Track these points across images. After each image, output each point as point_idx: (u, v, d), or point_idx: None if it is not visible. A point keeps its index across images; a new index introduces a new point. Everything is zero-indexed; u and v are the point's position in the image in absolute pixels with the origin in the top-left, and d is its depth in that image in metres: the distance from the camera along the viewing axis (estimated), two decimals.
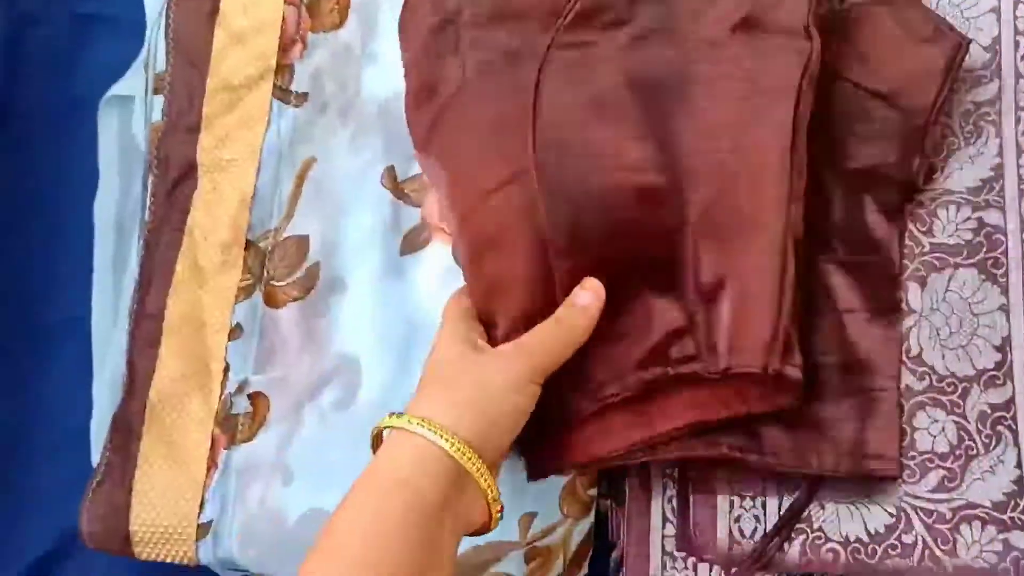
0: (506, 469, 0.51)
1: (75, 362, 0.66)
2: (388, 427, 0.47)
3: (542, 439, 0.52)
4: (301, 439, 0.58)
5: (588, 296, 0.51)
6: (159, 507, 0.57)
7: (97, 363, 0.64)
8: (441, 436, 0.45)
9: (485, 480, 0.46)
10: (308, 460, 0.58)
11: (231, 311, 0.60)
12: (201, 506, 0.57)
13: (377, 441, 0.49)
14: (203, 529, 0.57)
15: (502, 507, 0.48)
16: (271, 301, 0.61)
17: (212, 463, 0.58)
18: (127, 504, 0.58)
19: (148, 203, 0.64)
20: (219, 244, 0.61)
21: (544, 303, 0.51)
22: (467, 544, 0.55)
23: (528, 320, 0.51)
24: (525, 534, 0.56)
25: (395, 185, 0.62)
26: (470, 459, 0.45)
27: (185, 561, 0.57)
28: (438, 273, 0.60)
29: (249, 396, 0.59)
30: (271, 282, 0.61)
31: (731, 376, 0.50)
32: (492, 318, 0.53)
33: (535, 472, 0.54)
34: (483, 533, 0.49)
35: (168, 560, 0.58)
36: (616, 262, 0.51)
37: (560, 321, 0.50)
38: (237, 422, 0.59)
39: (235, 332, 0.60)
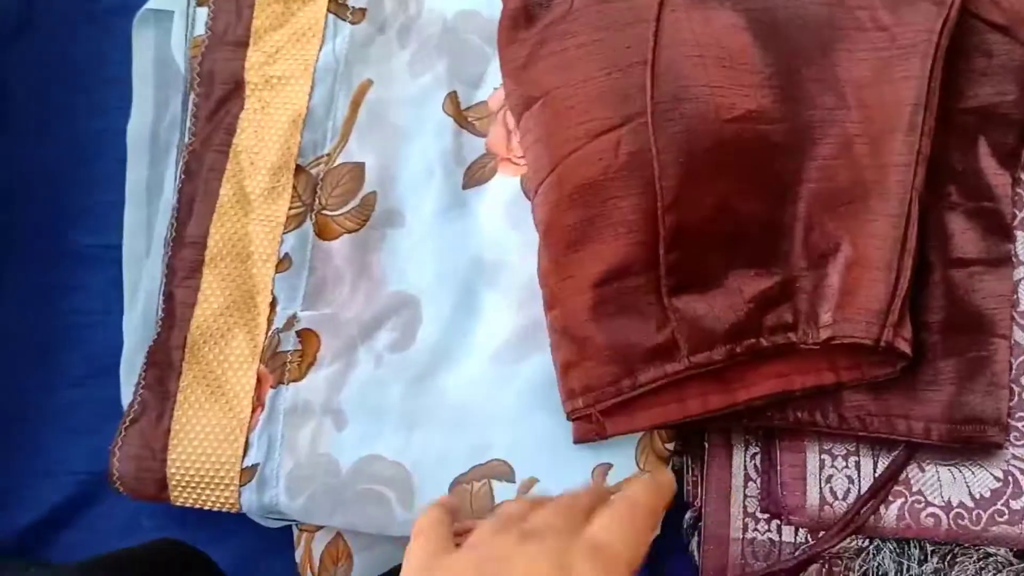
0: None
1: (106, 291, 0.61)
2: None
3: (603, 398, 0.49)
4: (355, 381, 0.54)
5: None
6: (199, 449, 0.53)
7: (128, 294, 0.60)
8: None
9: None
10: (363, 404, 0.54)
11: (279, 241, 0.56)
12: (245, 449, 0.53)
13: None
14: (247, 473, 0.53)
15: None
16: (323, 232, 0.56)
17: (258, 403, 0.54)
18: (163, 445, 0.53)
19: (188, 123, 0.59)
20: (267, 168, 0.56)
21: (644, 256, 0.48)
22: (539, 492, 0.51)
23: (622, 271, 0.48)
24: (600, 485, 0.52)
25: (458, 112, 0.58)
26: None
27: (226, 508, 0.53)
28: (503, 207, 0.56)
29: (298, 333, 0.55)
30: (323, 211, 0.56)
31: (830, 346, 0.46)
32: (575, 267, 0.49)
33: (584, 433, 0.50)
34: None
35: (207, 506, 0.53)
36: (722, 221, 0.48)
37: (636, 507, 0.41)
38: (285, 360, 0.54)
39: (283, 263, 0.56)
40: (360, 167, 0.57)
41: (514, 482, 0.51)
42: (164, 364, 0.55)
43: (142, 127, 0.61)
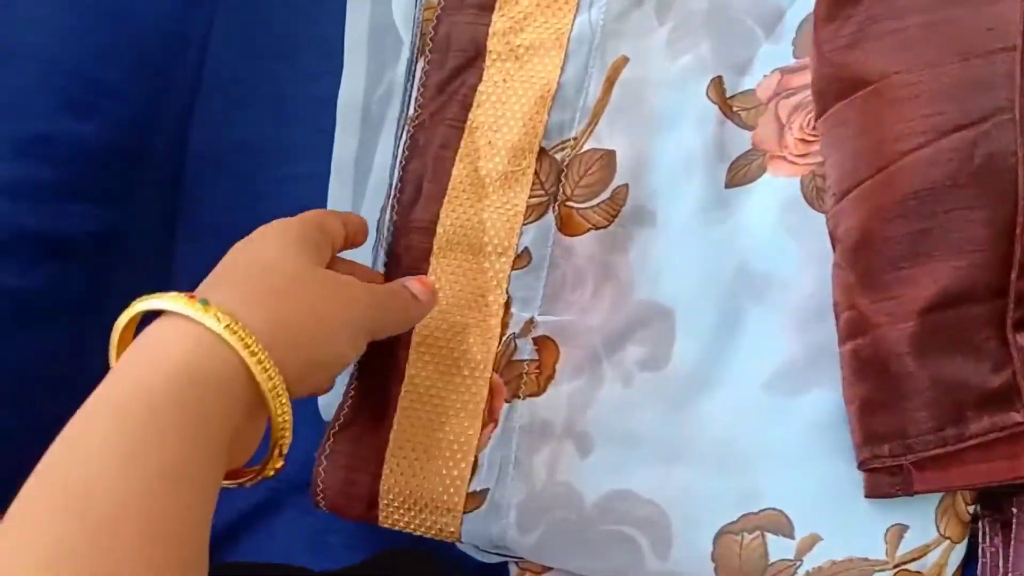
0: None
1: None
2: (147, 310, 0.33)
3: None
4: (603, 401, 0.47)
5: (425, 293, 0.44)
6: (421, 466, 0.46)
7: None
8: (251, 349, 0.32)
9: (285, 422, 0.34)
10: (612, 428, 0.46)
11: (518, 232, 0.48)
12: (474, 470, 0.46)
13: (124, 338, 0.35)
14: (474, 499, 0.46)
15: (283, 467, 0.37)
16: (566, 226, 0.49)
17: (490, 418, 0.47)
18: (379, 458, 0.46)
19: (415, 93, 0.52)
20: (507, 149, 0.49)
21: (989, 280, 0.40)
22: (819, 559, 0.43)
23: (959, 298, 0.40)
24: (894, 552, 0.43)
25: (723, 100, 0.50)
26: (278, 392, 0.33)
27: (443, 536, 0.46)
28: (777, 212, 0.48)
29: (535, 340, 0.47)
30: (568, 203, 0.49)
31: None
32: (898, 287, 0.41)
33: (880, 486, 0.42)
34: (245, 481, 0.37)
35: (420, 531, 0.46)
36: None
37: (398, 294, 0.43)
38: (522, 371, 0.47)
39: (522, 259, 0.48)
40: (611, 155, 0.50)
41: (793, 538, 0.43)
42: (383, 364, 0.48)
43: (354, 97, 0.55)
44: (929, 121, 0.40)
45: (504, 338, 0.47)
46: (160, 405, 0.30)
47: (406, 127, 0.52)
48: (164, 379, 0.30)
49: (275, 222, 0.39)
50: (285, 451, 0.35)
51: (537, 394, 0.47)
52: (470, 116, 0.50)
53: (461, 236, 0.49)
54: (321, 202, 0.54)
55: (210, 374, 0.31)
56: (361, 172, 0.54)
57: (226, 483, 0.36)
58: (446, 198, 0.49)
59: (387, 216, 0.51)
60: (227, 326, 0.32)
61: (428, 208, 0.49)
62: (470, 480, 0.46)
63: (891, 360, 0.41)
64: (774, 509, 0.43)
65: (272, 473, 0.36)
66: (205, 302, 0.32)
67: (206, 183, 0.57)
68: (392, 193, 0.51)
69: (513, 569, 0.48)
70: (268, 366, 0.32)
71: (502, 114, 0.50)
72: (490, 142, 0.50)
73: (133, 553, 0.26)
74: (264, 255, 0.37)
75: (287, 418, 0.34)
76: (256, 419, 0.34)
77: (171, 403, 0.30)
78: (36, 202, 0.49)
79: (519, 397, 0.47)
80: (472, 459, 0.46)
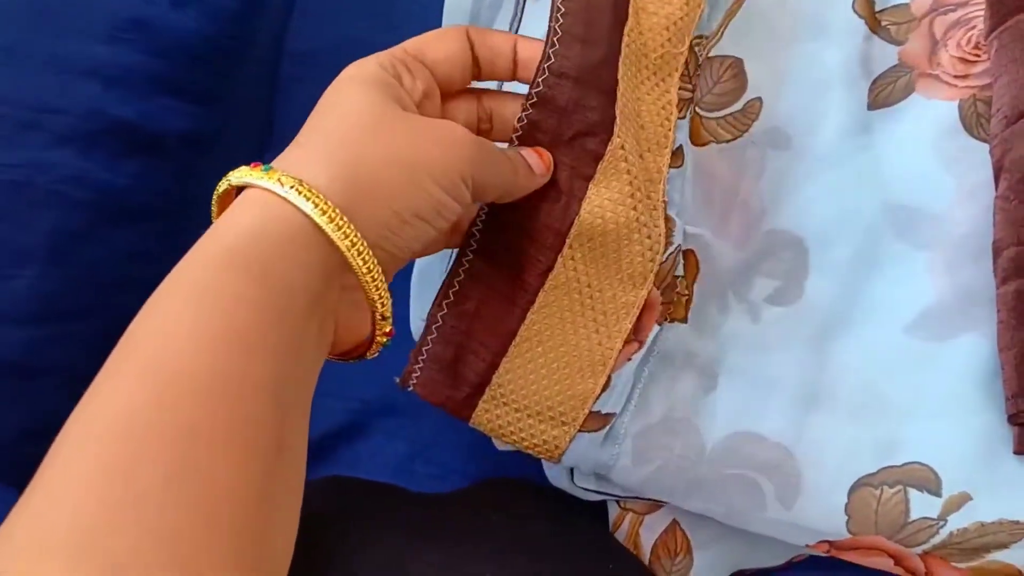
0: None
1: None
2: (239, 184, 0.30)
3: None
4: (728, 335, 0.43)
5: (540, 167, 0.38)
6: (547, 369, 0.40)
7: None
8: (320, 208, 0.29)
9: (374, 282, 0.31)
10: (741, 365, 0.42)
11: (674, 125, 0.41)
12: (604, 388, 0.40)
13: (221, 205, 0.32)
14: (596, 420, 0.41)
15: (392, 331, 0.33)
16: (693, 134, 0.44)
17: (635, 336, 0.41)
18: (500, 344, 0.40)
19: None
20: (671, 26, 0.41)
21: None
22: (966, 519, 0.39)
23: None
24: None
25: (870, 13, 0.45)
26: (358, 249, 0.30)
27: (541, 452, 0.40)
28: (931, 140, 0.43)
29: (684, 254, 0.43)
30: (697, 108, 0.44)
31: None
32: None
33: None
34: (353, 359, 0.34)
35: (516, 440, 0.40)
36: None
37: (511, 156, 0.37)
38: (676, 288, 0.42)
39: (676, 157, 0.42)
40: (739, 64, 0.45)
41: (940, 496, 0.39)
42: (526, 241, 0.39)
43: (461, 3, 0.51)
44: None
45: (671, 249, 0.41)
46: (230, 268, 0.28)
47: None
48: (235, 245, 0.28)
49: (355, 62, 0.35)
50: (387, 313, 0.32)
51: (684, 319, 0.43)
52: None
53: (630, 111, 0.40)
54: None
55: (279, 239, 0.29)
56: None
57: (338, 359, 0.34)
58: (621, 62, 0.39)
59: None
60: (292, 187, 0.29)
61: (611, 64, 0.38)
62: (596, 398, 0.40)
63: None
64: (919, 463, 0.39)
65: (384, 340, 0.33)
66: (269, 168, 0.30)
67: (305, 84, 0.53)
68: (551, 27, 0.39)
69: (614, 508, 0.45)
70: (342, 223, 0.29)
71: None
72: (653, 11, 0.41)
73: (197, 413, 0.25)
74: (340, 104, 0.33)
75: (376, 276, 0.31)
76: (352, 289, 0.31)
77: (243, 266, 0.28)
78: (128, 91, 0.46)
79: (667, 320, 0.43)
80: (605, 377, 0.40)
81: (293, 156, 0.31)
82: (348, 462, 0.50)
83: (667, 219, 0.40)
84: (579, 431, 0.40)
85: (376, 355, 0.33)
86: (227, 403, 0.25)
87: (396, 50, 0.36)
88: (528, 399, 0.40)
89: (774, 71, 0.45)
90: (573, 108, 0.38)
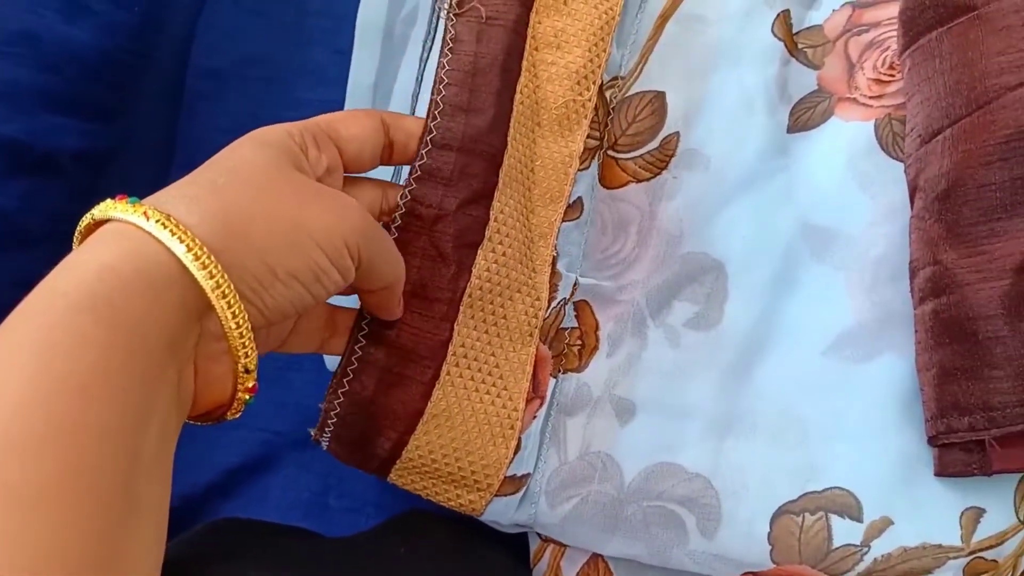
0: None
1: None
2: (102, 218, 0.28)
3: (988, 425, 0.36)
4: (646, 365, 0.42)
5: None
6: (458, 442, 0.39)
7: None
8: (186, 244, 0.27)
9: (238, 328, 0.29)
10: (657, 395, 0.41)
11: (572, 179, 0.42)
12: (516, 451, 0.40)
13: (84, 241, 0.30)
14: (512, 483, 0.40)
15: (255, 387, 0.31)
16: (607, 177, 0.44)
17: (535, 393, 0.41)
18: (409, 423, 0.39)
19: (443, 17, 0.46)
20: (572, 75, 0.42)
21: None
22: (888, 545, 0.38)
23: None
24: (969, 538, 0.39)
25: (789, 36, 0.45)
26: (223, 291, 0.28)
27: (461, 510, 0.41)
28: (846, 160, 0.43)
29: (575, 304, 0.42)
30: (610, 151, 0.44)
31: None
32: (992, 241, 0.37)
33: (954, 464, 0.38)
34: (214, 420, 0.32)
35: (437, 500, 0.41)
36: None
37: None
38: (565, 340, 0.42)
39: (574, 209, 0.42)
40: (660, 97, 0.45)
41: (861, 521, 0.38)
42: (419, 315, 0.40)
43: (376, 15, 0.49)
44: None
45: (554, 303, 0.42)
46: (75, 308, 0.25)
47: (444, 14, 0.44)
48: (82, 282, 0.26)
49: (263, 128, 0.33)
50: (251, 366, 0.29)
51: (579, 368, 0.42)
52: (532, 19, 0.41)
53: (513, 176, 0.41)
54: None
55: (135, 275, 0.26)
56: (380, 98, 0.49)
57: (196, 420, 0.31)
58: (512, 122, 0.40)
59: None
60: (158, 221, 0.27)
61: (496, 129, 0.39)
62: (509, 463, 0.40)
63: (979, 322, 0.37)
64: (840, 488, 0.39)
65: (247, 397, 0.30)
66: (136, 201, 0.28)
67: (210, 100, 0.51)
68: (433, 100, 0.40)
69: (535, 540, 0.43)
70: (208, 262, 0.27)
71: (564, 28, 0.42)
72: (552, 61, 0.42)
73: (25, 457, 0.23)
74: (232, 158, 0.31)
75: (242, 323, 0.28)
76: (215, 338, 0.29)
77: (88, 306, 0.25)
78: (12, 107, 0.43)
79: (561, 371, 0.42)
80: (515, 440, 0.40)
81: (166, 195, 0.29)
82: (258, 496, 0.48)
83: (554, 273, 0.41)
84: (495, 496, 0.40)
85: (238, 415, 0.31)
86: (60, 454, 0.23)
87: (308, 122, 0.34)
88: (442, 469, 0.39)
89: (694, 99, 0.45)
90: (458, 177, 0.38)
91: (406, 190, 0.38)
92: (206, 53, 0.52)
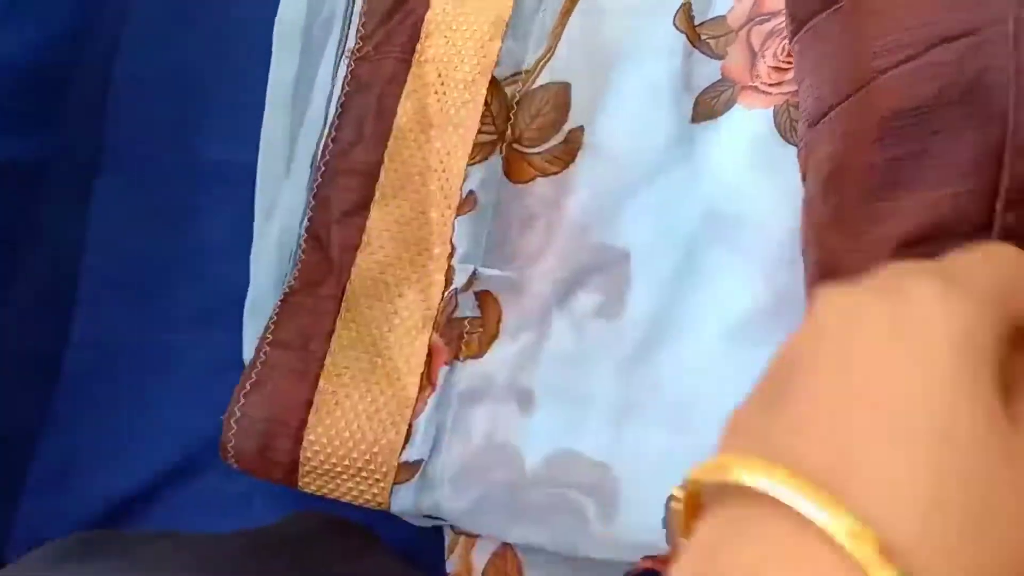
0: None
1: (233, 216, 0.49)
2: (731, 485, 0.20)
3: None
4: (550, 355, 0.42)
5: None
6: (349, 432, 0.41)
7: (260, 221, 0.48)
8: None
9: None
10: (560, 385, 0.42)
11: (463, 173, 0.44)
12: (407, 437, 0.41)
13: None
14: (407, 469, 0.41)
15: None
16: (512, 171, 0.45)
17: (427, 382, 0.42)
18: (301, 421, 0.42)
19: (358, 20, 0.47)
20: (460, 83, 0.45)
21: (974, 211, 0.35)
22: None
23: (940, 230, 0.35)
24: None
25: (691, 27, 0.45)
26: None
27: (371, 505, 0.42)
28: (747, 147, 0.43)
29: (477, 295, 0.43)
30: (515, 145, 0.45)
31: None
32: (872, 220, 0.37)
33: None
34: None
35: (345, 499, 0.42)
36: None
37: None
38: (463, 329, 0.43)
39: (466, 204, 0.44)
40: (565, 90, 0.45)
41: None
42: (309, 318, 0.43)
43: (293, 18, 0.50)
44: (912, 33, 0.36)
45: (446, 293, 0.43)
46: None
47: (346, 59, 0.47)
48: None
49: (914, 274, 0.21)
50: None
51: (479, 355, 0.42)
52: (419, 48, 0.46)
53: (406, 180, 0.44)
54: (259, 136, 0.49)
55: None
56: (300, 102, 0.49)
57: None
58: (391, 139, 0.45)
59: (318, 155, 0.46)
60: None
61: (371, 150, 0.45)
62: (403, 449, 0.41)
63: None
64: None
65: None
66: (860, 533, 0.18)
67: (134, 110, 0.52)
68: (328, 132, 0.46)
69: (448, 534, 0.44)
70: None
71: (454, 44, 0.45)
72: (441, 75, 0.45)
73: None
74: (899, 392, 0.19)
75: None
76: None
77: None
78: None
79: (459, 359, 0.42)
80: (406, 426, 0.41)
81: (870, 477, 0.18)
82: (180, 504, 0.48)
83: (449, 268, 0.43)
84: (395, 483, 0.41)
85: None
86: None
87: (990, 273, 0.22)
88: (340, 463, 0.41)
89: (598, 92, 0.45)
90: (340, 193, 0.44)
91: (306, 218, 0.44)
92: (132, 63, 0.53)
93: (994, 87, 0.34)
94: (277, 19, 0.50)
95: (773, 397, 0.22)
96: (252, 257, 0.48)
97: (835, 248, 0.38)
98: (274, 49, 0.49)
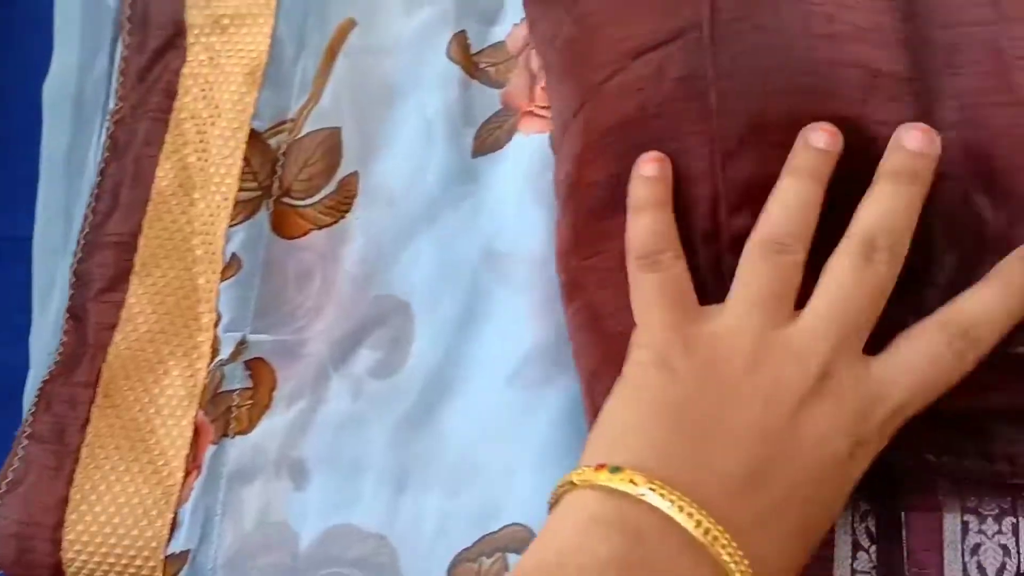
0: None
1: (10, 294, 0.47)
2: (585, 484, 0.28)
3: None
4: (325, 422, 0.40)
5: None
6: (110, 527, 0.39)
7: (38, 299, 0.46)
8: (695, 519, 0.26)
9: None
10: (333, 454, 0.40)
11: (224, 235, 0.42)
12: (173, 528, 0.39)
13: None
14: (174, 562, 0.39)
15: None
16: (282, 227, 0.43)
17: (193, 464, 0.40)
18: (58, 520, 0.39)
19: (115, 82, 0.46)
20: (219, 138, 0.43)
21: (699, 220, 0.34)
22: None
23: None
24: None
25: (466, 58, 0.44)
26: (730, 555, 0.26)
27: None
28: (523, 175, 0.42)
29: (247, 364, 0.41)
30: (284, 199, 0.43)
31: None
32: (603, 240, 0.35)
33: None
34: None
35: None
36: None
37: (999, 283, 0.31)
38: (231, 403, 0.40)
39: (230, 268, 0.42)
40: (335, 136, 0.43)
41: None
42: (64, 407, 0.41)
43: (64, 82, 0.48)
44: (618, 48, 0.35)
45: (211, 366, 0.41)
46: None
47: (107, 123, 0.45)
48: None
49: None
50: None
51: (248, 430, 0.40)
52: (175, 105, 0.44)
53: (169, 248, 0.43)
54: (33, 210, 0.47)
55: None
56: (75, 172, 0.47)
57: None
58: (150, 204, 0.43)
59: (81, 228, 0.44)
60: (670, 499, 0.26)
61: (128, 218, 0.43)
62: (169, 541, 0.39)
63: (606, 320, 0.35)
64: (517, 524, 0.37)
65: None
66: (616, 469, 0.27)
67: None
68: (88, 202, 0.44)
69: None
70: (726, 542, 0.26)
71: (211, 100, 0.44)
72: (200, 133, 0.44)
73: None
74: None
75: None
76: None
77: None
78: None
79: (228, 436, 0.40)
80: (171, 516, 0.39)
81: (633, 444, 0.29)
82: None
83: (215, 338, 0.41)
84: None
85: None
86: None
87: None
88: (104, 562, 0.39)
89: (372, 134, 0.44)
90: (95, 268, 0.43)
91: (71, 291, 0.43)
92: None
93: (693, 95, 0.33)
94: (46, 84, 0.48)
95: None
96: (31, 339, 0.46)
97: (575, 268, 0.36)
98: (44, 118, 0.48)
